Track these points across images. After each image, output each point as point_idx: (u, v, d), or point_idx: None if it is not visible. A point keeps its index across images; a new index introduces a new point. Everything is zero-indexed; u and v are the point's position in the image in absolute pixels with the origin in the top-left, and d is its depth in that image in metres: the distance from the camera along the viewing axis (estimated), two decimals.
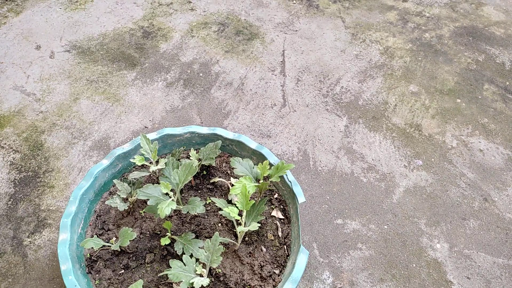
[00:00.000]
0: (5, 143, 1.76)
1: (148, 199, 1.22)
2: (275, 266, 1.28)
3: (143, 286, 1.21)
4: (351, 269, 1.45)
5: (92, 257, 1.27)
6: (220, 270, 1.24)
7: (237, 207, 1.22)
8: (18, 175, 1.64)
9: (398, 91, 2.15)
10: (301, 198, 1.31)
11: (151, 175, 1.49)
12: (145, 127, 1.87)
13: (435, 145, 1.89)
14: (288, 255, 1.31)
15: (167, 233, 1.26)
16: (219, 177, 1.50)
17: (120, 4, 2.60)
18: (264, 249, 1.31)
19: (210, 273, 1.24)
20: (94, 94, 2.00)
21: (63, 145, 1.76)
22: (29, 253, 1.42)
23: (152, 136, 1.47)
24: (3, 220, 1.51)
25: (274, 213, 1.41)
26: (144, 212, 1.38)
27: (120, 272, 1.25)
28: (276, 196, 1.46)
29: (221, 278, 1.23)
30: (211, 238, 1.28)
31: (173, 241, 1.29)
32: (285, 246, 1.33)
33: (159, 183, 1.39)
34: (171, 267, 1.14)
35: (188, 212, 1.33)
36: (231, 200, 1.40)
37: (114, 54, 2.22)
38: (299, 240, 1.24)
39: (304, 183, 1.69)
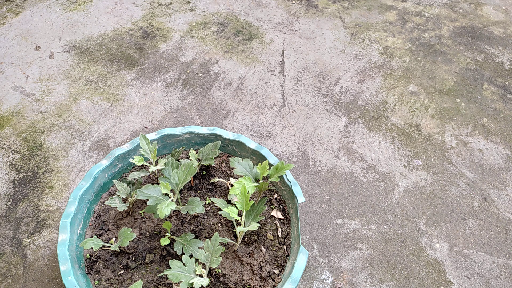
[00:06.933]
0: (5, 144, 1.75)
1: (147, 200, 1.22)
2: (275, 266, 1.28)
3: (142, 286, 1.21)
4: (351, 269, 1.45)
5: (92, 258, 1.27)
6: (219, 270, 1.24)
7: (236, 207, 1.22)
8: (17, 176, 1.64)
9: (398, 91, 2.15)
10: (300, 198, 1.31)
11: (151, 176, 1.49)
12: (145, 127, 1.87)
13: (435, 145, 1.89)
14: (287, 255, 1.31)
15: (167, 234, 1.26)
16: (219, 177, 1.50)
17: (119, 4, 2.60)
18: (264, 249, 1.31)
19: (209, 273, 1.24)
20: (94, 94, 2.00)
21: (62, 145, 1.76)
22: (29, 253, 1.42)
23: (151, 136, 1.47)
24: (3, 220, 1.51)
25: (273, 213, 1.41)
26: (143, 212, 1.38)
27: (120, 272, 1.25)
28: (275, 196, 1.46)
29: (221, 279, 1.23)
30: (211, 238, 1.28)
31: (172, 241, 1.29)
32: (284, 246, 1.33)
33: (158, 184, 1.39)
34: (170, 268, 1.14)
35: (187, 213, 1.33)
36: (230, 200, 1.40)
37: (113, 55, 2.22)
38: (298, 240, 1.24)
39: (303, 183, 1.69)
